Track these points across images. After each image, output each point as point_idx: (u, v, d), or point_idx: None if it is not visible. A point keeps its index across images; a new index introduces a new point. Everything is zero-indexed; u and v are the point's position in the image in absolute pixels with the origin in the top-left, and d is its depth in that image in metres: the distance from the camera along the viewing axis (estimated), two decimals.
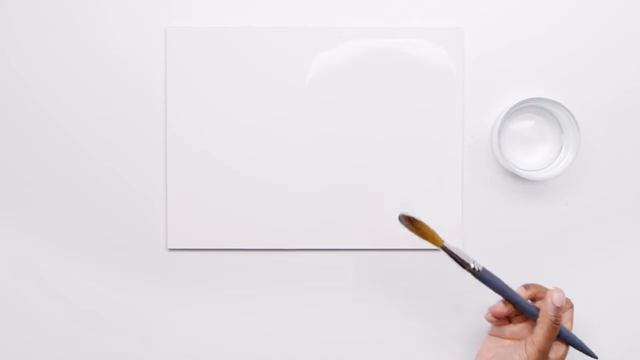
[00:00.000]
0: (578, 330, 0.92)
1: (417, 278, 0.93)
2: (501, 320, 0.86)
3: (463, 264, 0.83)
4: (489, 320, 0.87)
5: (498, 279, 0.84)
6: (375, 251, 0.92)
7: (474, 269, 0.83)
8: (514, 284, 0.87)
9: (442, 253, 0.90)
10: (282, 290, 0.93)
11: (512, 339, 0.86)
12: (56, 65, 0.92)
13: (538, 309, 0.84)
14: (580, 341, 0.85)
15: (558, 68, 0.92)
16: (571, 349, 0.85)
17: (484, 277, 0.84)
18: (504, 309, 0.85)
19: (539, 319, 0.83)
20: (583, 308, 0.92)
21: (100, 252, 0.93)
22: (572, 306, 0.86)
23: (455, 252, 0.84)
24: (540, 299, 0.85)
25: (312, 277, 0.93)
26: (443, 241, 0.83)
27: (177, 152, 0.92)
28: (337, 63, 0.92)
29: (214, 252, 0.93)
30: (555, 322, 0.82)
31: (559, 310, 0.82)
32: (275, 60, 0.92)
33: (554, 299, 0.82)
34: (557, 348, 0.84)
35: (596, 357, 0.85)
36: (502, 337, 0.87)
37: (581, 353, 0.86)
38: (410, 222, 0.83)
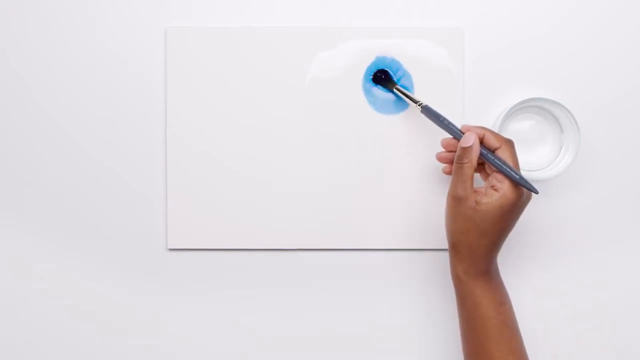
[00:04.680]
0: (577, 329, 0.92)
1: (418, 278, 0.93)
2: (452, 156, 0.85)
3: (413, 101, 0.88)
4: (439, 159, 0.86)
5: (440, 115, 0.85)
6: (376, 251, 0.92)
7: (420, 104, 0.87)
8: (513, 282, 0.86)
9: (443, 253, 0.91)
10: (282, 290, 0.93)
11: None
12: (56, 65, 0.92)
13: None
14: (520, 175, 0.80)
15: (558, 68, 0.92)
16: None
17: (428, 111, 0.86)
18: (452, 140, 0.84)
19: None
20: (583, 308, 0.92)
21: (100, 252, 0.93)
22: (504, 144, 0.82)
23: (406, 92, 0.89)
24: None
25: (312, 277, 0.93)
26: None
27: (177, 152, 0.92)
28: (337, 63, 0.92)
29: (214, 252, 0.93)
30: (458, 161, 0.80)
31: (463, 151, 0.80)
32: (275, 60, 0.92)
33: (461, 139, 0.81)
34: (490, 192, 0.80)
35: (536, 192, 0.80)
36: None
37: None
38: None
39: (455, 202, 0.80)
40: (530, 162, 0.91)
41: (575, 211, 0.93)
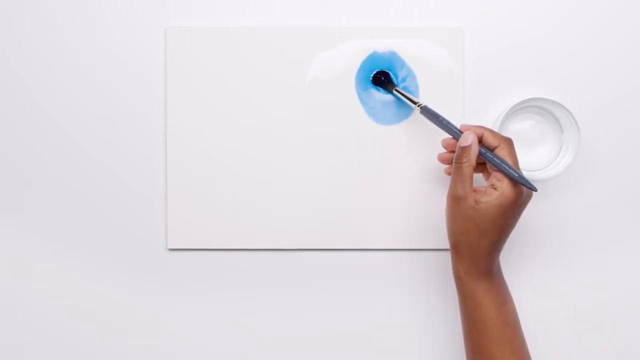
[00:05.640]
0: (577, 329, 0.92)
1: (418, 278, 0.93)
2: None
3: (413, 102, 0.88)
4: (440, 160, 0.87)
5: (439, 115, 0.85)
6: (376, 251, 0.92)
7: (419, 104, 0.87)
8: (513, 282, 0.86)
9: (443, 253, 0.91)
10: (282, 290, 0.93)
11: None
12: (56, 65, 0.92)
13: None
14: (519, 173, 0.80)
15: (558, 68, 0.92)
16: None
17: (428, 111, 0.86)
18: (452, 140, 0.85)
19: None
20: (583, 308, 0.92)
21: (100, 252, 0.93)
22: (502, 143, 0.82)
23: (405, 94, 0.89)
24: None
25: (312, 277, 0.93)
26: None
27: (177, 152, 0.92)
28: (337, 63, 0.92)
29: (214, 252, 0.93)
30: (457, 161, 0.80)
31: (462, 150, 0.80)
32: (275, 60, 0.92)
33: (460, 139, 0.81)
34: (490, 191, 0.80)
35: (535, 190, 0.80)
36: None
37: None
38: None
39: (455, 202, 0.80)
40: (530, 162, 0.91)
41: (575, 211, 0.93)
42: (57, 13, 0.92)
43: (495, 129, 0.88)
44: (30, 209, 0.92)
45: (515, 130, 0.91)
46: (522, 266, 0.92)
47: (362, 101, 0.91)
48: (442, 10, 0.92)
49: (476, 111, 0.92)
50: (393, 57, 0.91)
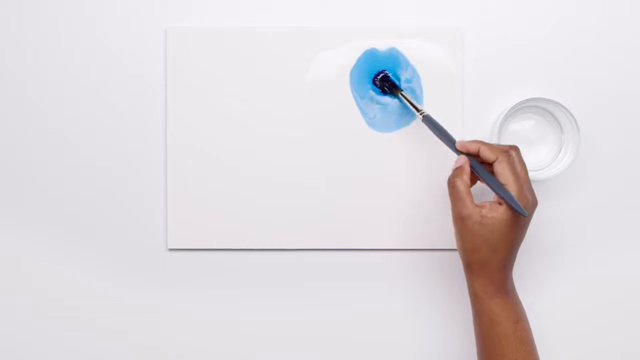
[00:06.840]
0: (578, 330, 0.92)
1: (420, 278, 0.93)
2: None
3: (416, 109, 0.87)
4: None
5: (439, 126, 0.85)
6: (377, 251, 0.92)
7: (422, 113, 0.87)
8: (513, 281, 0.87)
9: (446, 253, 0.91)
10: (282, 290, 0.93)
11: None
12: (56, 66, 0.92)
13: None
14: (510, 195, 0.79)
15: (558, 68, 0.92)
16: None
17: (429, 121, 0.86)
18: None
19: None
20: (582, 307, 0.92)
21: (101, 252, 0.93)
22: (500, 156, 0.81)
23: (410, 100, 0.88)
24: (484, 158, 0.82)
25: (312, 277, 0.93)
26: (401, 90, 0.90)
27: (177, 152, 0.92)
28: (337, 63, 0.92)
29: (214, 252, 0.93)
30: (451, 180, 0.81)
31: (454, 172, 0.81)
32: (275, 61, 0.92)
33: (454, 163, 0.82)
34: (495, 207, 0.79)
35: (525, 215, 0.79)
36: None
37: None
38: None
39: (461, 222, 0.80)
40: (530, 162, 0.90)
41: (575, 211, 0.93)
42: (56, 13, 0.92)
43: (496, 130, 0.88)
44: (31, 209, 0.93)
45: (515, 130, 0.91)
46: (522, 267, 0.92)
47: (362, 111, 0.91)
48: (442, 10, 0.92)
49: (476, 111, 0.92)
50: (394, 55, 0.91)
